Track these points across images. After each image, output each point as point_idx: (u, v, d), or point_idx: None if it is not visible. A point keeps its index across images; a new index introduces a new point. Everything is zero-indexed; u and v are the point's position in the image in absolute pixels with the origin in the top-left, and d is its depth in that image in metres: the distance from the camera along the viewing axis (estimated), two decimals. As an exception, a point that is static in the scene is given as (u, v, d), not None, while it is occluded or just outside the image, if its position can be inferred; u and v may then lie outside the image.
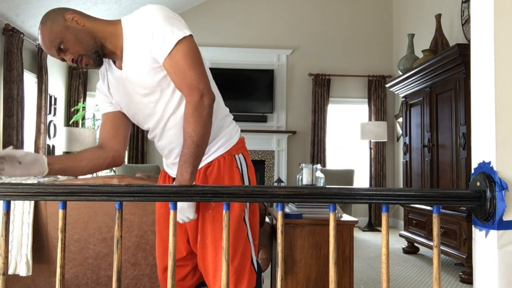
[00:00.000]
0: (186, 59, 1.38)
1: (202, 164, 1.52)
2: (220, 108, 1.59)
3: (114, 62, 1.53)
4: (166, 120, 1.52)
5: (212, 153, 1.55)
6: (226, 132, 1.59)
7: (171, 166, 1.62)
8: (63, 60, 1.46)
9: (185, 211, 1.43)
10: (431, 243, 4.23)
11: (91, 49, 1.43)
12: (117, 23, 1.47)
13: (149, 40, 1.38)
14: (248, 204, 1.62)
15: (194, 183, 1.41)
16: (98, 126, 6.64)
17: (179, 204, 1.43)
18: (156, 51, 1.38)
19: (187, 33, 1.39)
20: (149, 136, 1.64)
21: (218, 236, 1.49)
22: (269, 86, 6.91)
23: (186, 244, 1.62)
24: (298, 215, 2.23)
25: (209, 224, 1.51)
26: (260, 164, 6.97)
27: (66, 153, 6.61)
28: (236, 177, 1.56)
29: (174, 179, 1.60)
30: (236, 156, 1.59)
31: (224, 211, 1.11)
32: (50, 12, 1.44)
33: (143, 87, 1.46)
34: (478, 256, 1.12)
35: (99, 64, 1.48)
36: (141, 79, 1.44)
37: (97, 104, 1.66)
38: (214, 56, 6.92)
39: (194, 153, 1.37)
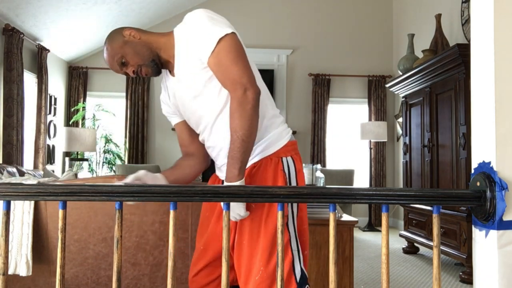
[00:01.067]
0: (228, 55, 1.42)
1: (248, 164, 1.49)
2: (268, 108, 1.57)
3: (170, 72, 1.62)
4: (213, 122, 1.55)
5: (258, 154, 1.53)
6: (275, 133, 1.56)
7: (221, 168, 1.63)
8: (126, 74, 1.59)
9: (235, 208, 1.42)
10: (431, 243, 4.23)
11: (148, 59, 1.54)
12: (169, 34, 1.57)
13: (195, 42, 1.46)
14: (294, 210, 1.54)
15: (243, 180, 1.41)
16: (98, 126, 6.65)
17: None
18: (201, 51, 1.44)
19: (229, 31, 1.44)
20: (200, 139, 1.67)
21: (254, 237, 1.47)
22: (269, 86, 6.86)
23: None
24: (298, 215, 2.22)
25: (247, 224, 1.49)
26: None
27: (66, 153, 6.61)
28: (280, 180, 1.52)
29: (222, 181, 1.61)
30: (284, 158, 1.54)
31: (224, 211, 1.11)
32: (111, 33, 1.58)
33: (192, 88, 1.53)
34: (478, 256, 1.12)
35: (157, 72, 1.58)
36: (190, 81, 1.52)
37: (166, 116, 1.76)
38: (214, 56, 6.91)
39: (241, 148, 1.39)
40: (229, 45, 1.43)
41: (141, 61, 1.53)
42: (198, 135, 1.68)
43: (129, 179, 1.49)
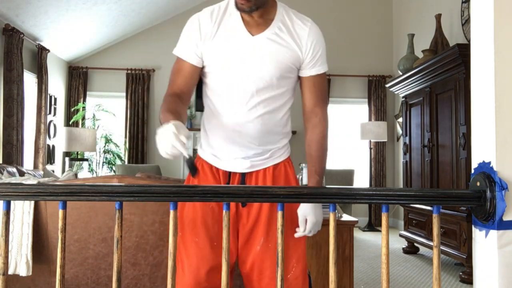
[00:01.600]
0: (326, 86, 1.67)
1: (270, 164, 1.57)
2: (290, 117, 1.67)
3: (244, 22, 1.50)
4: (258, 109, 1.52)
5: (279, 156, 1.61)
6: (288, 140, 1.69)
7: (236, 160, 1.55)
8: None
9: (321, 223, 1.51)
10: (431, 243, 4.23)
11: (261, 1, 1.44)
12: (273, 3, 1.54)
13: (305, 45, 1.53)
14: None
15: None
16: (98, 126, 6.65)
17: (315, 216, 1.49)
18: (310, 62, 1.55)
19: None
20: (216, 109, 1.54)
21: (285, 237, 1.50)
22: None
23: (235, 251, 1.56)
24: (298, 215, 2.22)
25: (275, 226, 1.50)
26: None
27: (66, 153, 6.61)
28: (297, 182, 1.64)
29: (227, 173, 1.56)
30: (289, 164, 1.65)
31: (224, 211, 1.11)
32: None
33: (272, 67, 1.49)
34: (478, 256, 1.12)
35: (245, 12, 1.45)
36: (272, 62, 1.49)
37: (184, 48, 1.54)
38: (214, 56, 6.92)
39: (324, 168, 1.61)
40: (326, 81, 1.67)
41: None
42: (195, 86, 1.56)
43: (186, 151, 1.30)
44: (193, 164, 1.32)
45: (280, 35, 1.50)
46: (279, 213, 1.10)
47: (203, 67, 1.55)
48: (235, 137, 1.54)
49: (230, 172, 1.56)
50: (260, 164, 1.57)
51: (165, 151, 1.26)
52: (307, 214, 1.50)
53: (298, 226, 1.52)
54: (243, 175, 1.56)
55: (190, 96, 1.58)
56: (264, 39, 1.49)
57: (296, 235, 1.51)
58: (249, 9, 1.43)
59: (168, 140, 1.25)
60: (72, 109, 6.79)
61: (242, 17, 1.50)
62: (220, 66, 1.52)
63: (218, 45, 1.50)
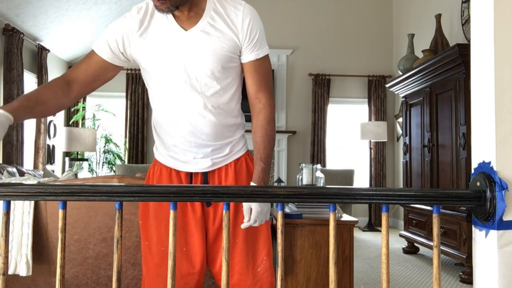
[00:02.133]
0: (268, 69, 1.55)
1: (231, 159, 1.56)
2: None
3: (174, 18, 1.46)
4: (205, 105, 1.48)
5: (239, 150, 1.59)
6: (243, 131, 1.65)
7: (196, 160, 1.53)
8: None
9: (265, 209, 1.48)
10: (431, 243, 4.23)
11: (178, 2, 1.39)
12: None
13: (241, 30, 1.46)
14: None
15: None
16: (98, 126, 6.65)
17: (259, 205, 1.45)
18: (248, 46, 1.48)
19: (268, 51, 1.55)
20: (163, 110, 1.52)
21: (250, 233, 1.55)
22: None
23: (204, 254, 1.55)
24: (298, 215, 2.23)
25: (240, 223, 1.52)
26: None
27: (66, 153, 6.61)
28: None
29: (188, 174, 1.55)
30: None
31: (224, 211, 1.11)
32: None
33: (211, 59, 1.45)
34: (478, 256, 1.12)
35: (169, 11, 1.40)
36: (211, 54, 1.44)
37: (100, 41, 1.50)
38: (214, 56, 6.92)
39: (271, 157, 1.51)
40: (269, 64, 1.56)
41: None
42: (100, 83, 1.52)
43: None
44: None
45: (214, 25, 1.45)
46: (279, 213, 1.10)
47: (140, 70, 1.54)
48: (189, 137, 1.51)
49: (191, 173, 1.55)
50: (221, 161, 1.56)
51: None
52: (251, 203, 1.46)
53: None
54: (205, 174, 1.55)
55: (82, 88, 1.49)
56: (198, 32, 1.44)
57: (243, 226, 1.49)
58: (168, 10, 1.38)
59: None
60: (72, 109, 6.79)
61: (172, 14, 1.45)
62: (158, 67, 1.47)
63: (150, 45, 1.46)
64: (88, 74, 1.49)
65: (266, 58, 1.53)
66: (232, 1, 1.49)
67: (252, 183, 1.49)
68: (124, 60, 1.52)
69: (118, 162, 6.73)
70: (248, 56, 1.50)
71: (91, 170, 6.67)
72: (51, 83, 1.44)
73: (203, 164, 1.54)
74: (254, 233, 1.55)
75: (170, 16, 1.45)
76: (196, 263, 1.53)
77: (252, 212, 1.47)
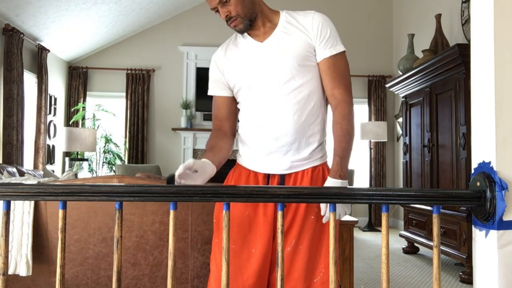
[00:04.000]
0: (346, 66, 1.61)
1: (309, 165, 1.58)
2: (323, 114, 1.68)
3: (252, 37, 1.60)
4: (291, 102, 1.54)
5: (318, 158, 1.62)
6: (324, 140, 1.70)
7: (274, 160, 1.56)
8: (216, 11, 1.54)
9: (346, 206, 1.50)
10: (431, 243, 4.23)
11: (248, 15, 1.53)
12: (276, 12, 1.62)
13: (312, 30, 1.54)
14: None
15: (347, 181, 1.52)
16: (98, 126, 6.65)
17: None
18: (320, 43, 1.55)
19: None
20: (249, 117, 1.60)
21: (316, 240, 1.52)
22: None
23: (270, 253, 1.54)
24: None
25: (309, 227, 1.52)
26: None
27: (66, 153, 6.61)
28: None
29: (266, 175, 1.57)
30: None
31: (224, 211, 1.11)
32: None
33: (290, 59, 1.53)
34: (478, 256, 1.12)
35: (244, 31, 1.56)
36: (289, 54, 1.53)
37: (211, 86, 1.71)
38: (214, 56, 6.92)
39: (350, 151, 1.58)
40: (345, 61, 1.62)
41: (242, 13, 1.52)
42: (236, 114, 1.68)
43: (180, 170, 1.40)
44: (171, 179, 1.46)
45: (287, 32, 1.56)
46: (279, 213, 1.10)
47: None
48: (270, 132, 1.55)
49: (269, 175, 1.57)
50: (299, 166, 1.57)
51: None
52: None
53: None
54: (282, 177, 1.56)
55: (232, 124, 1.70)
56: (274, 40, 1.56)
57: (324, 220, 1.49)
58: (245, 28, 1.54)
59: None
60: (72, 109, 6.79)
61: (249, 34, 1.60)
62: (242, 81, 1.59)
63: (233, 64, 1.61)
64: (225, 112, 1.68)
65: (341, 55, 1.58)
66: (303, 12, 1.61)
67: (329, 178, 1.52)
68: (228, 88, 1.68)
69: (118, 162, 6.73)
70: (322, 54, 1.56)
71: (91, 170, 6.67)
72: (212, 136, 1.66)
73: (281, 166, 1.56)
74: (319, 241, 1.52)
75: (247, 36, 1.60)
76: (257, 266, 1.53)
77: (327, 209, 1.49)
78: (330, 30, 1.56)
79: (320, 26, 1.55)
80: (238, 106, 1.68)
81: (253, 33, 1.59)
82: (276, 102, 1.54)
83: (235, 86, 1.63)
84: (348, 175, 1.52)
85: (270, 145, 1.56)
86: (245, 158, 1.63)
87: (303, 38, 1.54)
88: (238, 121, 1.71)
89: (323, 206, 1.49)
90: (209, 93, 1.71)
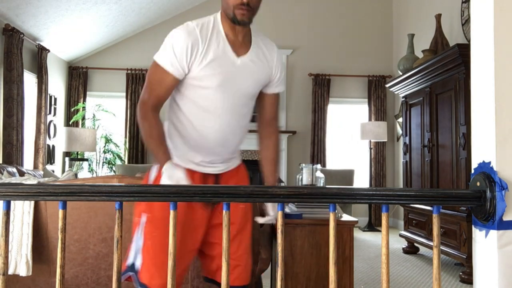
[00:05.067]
0: (279, 103, 1.89)
1: (235, 165, 1.80)
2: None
3: (231, 46, 1.64)
4: (238, 123, 1.70)
5: (238, 157, 1.84)
6: None
7: (214, 165, 1.72)
8: None
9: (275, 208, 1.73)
10: (431, 243, 4.23)
11: (254, 15, 1.60)
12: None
13: (275, 67, 1.74)
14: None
15: None
16: (98, 126, 6.65)
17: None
18: (276, 81, 1.76)
19: None
20: (200, 124, 1.66)
21: (246, 231, 1.76)
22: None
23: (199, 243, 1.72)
24: (298, 215, 2.23)
25: (239, 218, 1.73)
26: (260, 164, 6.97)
27: (66, 153, 6.60)
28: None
29: (202, 174, 1.70)
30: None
31: (224, 211, 1.11)
32: None
33: (253, 86, 1.69)
34: (478, 256, 1.12)
35: (244, 24, 1.59)
36: (253, 81, 1.68)
37: (169, 61, 1.58)
38: (214, 56, 6.92)
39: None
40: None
41: (256, 9, 1.58)
42: (170, 95, 1.66)
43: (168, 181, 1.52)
44: None
45: (259, 57, 1.68)
46: (279, 213, 1.10)
47: (183, 80, 1.63)
48: (218, 147, 1.69)
49: (204, 174, 1.71)
50: (230, 166, 1.77)
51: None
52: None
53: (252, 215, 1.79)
54: (217, 176, 1.73)
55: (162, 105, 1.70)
56: (248, 61, 1.65)
57: (261, 221, 1.72)
58: (249, 20, 1.57)
59: (176, 182, 1.51)
60: (72, 109, 6.79)
61: (227, 38, 1.61)
62: (209, 85, 1.60)
63: (208, 65, 1.58)
64: (168, 94, 1.65)
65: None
66: (265, 42, 1.73)
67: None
68: (184, 74, 1.62)
69: (118, 162, 6.73)
70: (275, 89, 1.78)
71: (91, 170, 6.67)
72: (158, 123, 1.62)
73: (219, 168, 1.74)
74: (249, 233, 1.78)
75: (225, 41, 1.61)
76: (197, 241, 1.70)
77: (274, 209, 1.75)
78: (284, 71, 1.81)
79: (280, 66, 1.76)
80: (182, 100, 1.66)
81: (231, 39, 1.62)
82: (234, 120, 1.68)
83: (194, 81, 1.60)
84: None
85: (217, 154, 1.70)
86: (181, 158, 1.68)
87: (266, 71, 1.71)
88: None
89: (271, 208, 1.75)
90: (164, 66, 1.58)
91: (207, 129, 1.65)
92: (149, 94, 1.61)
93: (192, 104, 1.65)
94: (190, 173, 1.66)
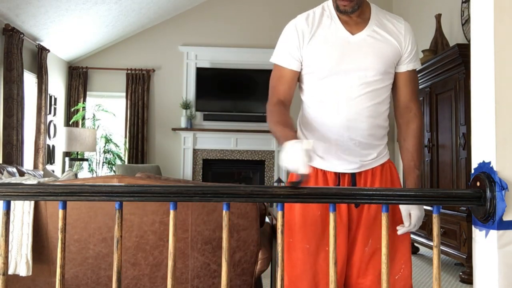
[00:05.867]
0: (418, 83, 1.67)
1: (377, 164, 1.59)
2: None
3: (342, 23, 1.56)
4: (369, 104, 1.54)
5: (383, 156, 1.62)
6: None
7: (345, 160, 1.55)
8: None
9: (422, 216, 1.52)
10: (431, 243, 4.23)
11: (361, 1, 1.52)
12: (367, 4, 1.61)
13: (403, 40, 1.57)
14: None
15: None
16: (98, 126, 6.65)
17: (418, 209, 1.51)
18: (408, 56, 1.59)
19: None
20: (321, 111, 1.56)
21: (391, 240, 1.51)
22: (269, 86, 6.89)
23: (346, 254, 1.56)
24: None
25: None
26: (260, 164, 6.97)
27: (66, 153, 6.60)
28: (400, 184, 1.67)
29: (336, 174, 1.56)
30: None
31: (224, 211, 1.10)
32: None
33: (376, 61, 1.54)
34: (478, 256, 1.12)
35: (349, 13, 1.52)
36: (376, 57, 1.53)
37: (281, 56, 1.60)
38: (214, 56, 6.92)
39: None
40: (417, 77, 1.68)
41: None
42: (294, 89, 1.61)
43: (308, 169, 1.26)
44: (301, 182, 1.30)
45: (379, 32, 1.56)
46: (279, 213, 1.10)
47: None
48: (343, 134, 1.54)
49: (339, 174, 1.57)
50: (368, 164, 1.58)
51: (293, 167, 1.24)
52: (411, 208, 1.51)
53: (400, 224, 1.54)
54: (353, 176, 1.56)
55: (291, 100, 1.62)
56: (365, 37, 1.54)
57: (400, 232, 1.52)
58: (352, 9, 1.50)
59: (299, 158, 1.23)
60: (72, 109, 6.79)
61: (339, 19, 1.55)
62: (324, 67, 1.54)
63: (319, 47, 1.54)
64: (291, 88, 1.61)
65: (416, 72, 1.66)
66: (391, 16, 1.61)
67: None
68: (300, 62, 1.59)
69: (118, 162, 6.73)
70: (407, 66, 1.60)
71: (91, 170, 6.67)
72: (281, 112, 1.56)
73: (352, 165, 1.56)
74: (395, 239, 1.55)
75: (337, 21, 1.55)
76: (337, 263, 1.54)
77: (412, 217, 1.51)
78: (416, 46, 1.61)
79: (411, 39, 1.59)
80: (304, 90, 1.62)
81: (344, 19, 1.55)
82: (358, 101, 1.53)
83: (309, 68, 1.57)
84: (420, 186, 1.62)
85: (345, 144, 1.55)
86: (313, 155, 1.58)
87: (394, 44, 1.56)
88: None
89: (405, 217, 1.52)
90: (279, 62, 1.60)
91: (327, 116, 1.55)
92: (271, 93, 1.61)
93: (308, 92, 1.60)
94: (322, 173, 1.57)
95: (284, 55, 1.59)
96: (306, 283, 1.53)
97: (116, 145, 6.71)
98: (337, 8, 1.52)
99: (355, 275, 1.56)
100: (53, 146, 6.36)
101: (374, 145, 1.58)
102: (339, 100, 1.54)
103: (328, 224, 1.51)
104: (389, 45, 1.55)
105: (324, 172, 1.57)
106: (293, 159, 1.23)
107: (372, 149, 1.58)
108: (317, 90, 1.58)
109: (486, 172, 1.09)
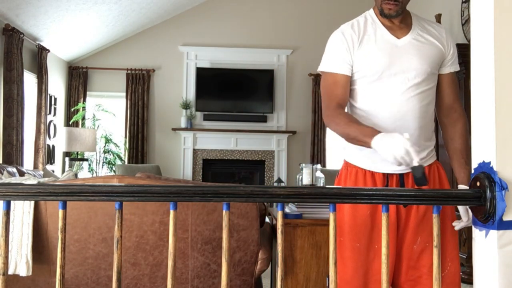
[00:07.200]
0: (458, 85, 1.73)
1: (426, 164, 1.60)
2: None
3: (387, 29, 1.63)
4: (418, 105, 1.58)
5: (431, 156, 1.65)
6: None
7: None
8: None
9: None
10: (431, 243, 4.21)
11: (405, 6, 1.59)
12: (407, 11, 1.68)
13: (446, 42, 1.66)
14: None
15: None
16: (98, 126, 6.65)
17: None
18: (450, 58, 1.66)
19: None
20: (372, 113, 1.60)
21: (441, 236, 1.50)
22: (269, 86, 6.90)
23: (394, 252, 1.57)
24: (298, 215, 2.23)
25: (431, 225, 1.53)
26: (260, 164, 6.97)
27: (66, 153, 6.60)
28: (449, 185, 1.72)
29: (384, 176, 1.58)
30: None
31: (224, 211, 1.11)
32: None
33: (422, 63, 1.59)
34: (478, 256, 1.12)
35: (393, 17, 1.58)
36: (422, 58, 1.59)
37: (333, 63, 1.65)
38: (214, 56, 6.92)
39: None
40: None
41: (406, 1, 1.58)
42: (348, 93, 1.65)
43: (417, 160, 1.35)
44: (424, 171, 1.36)
45: (423, 36, 1.63)
46: (279, 213, 1.10)
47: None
48: (397, 132, 1.52)
49: (387, 174, 1.58)
50: None
51: (399, 156, 1.34)
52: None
53: (450, 221, 1.57)
54: (401, 176, 1.57)
55: (346, 105, 1.68)
56: (411, 40, 1.61)
57: (458, 227, 1.54)
58: (396, 13, 1.56)
59: (401, 146, 1.34)
60: (72, 109, 6.79)
61: (383, 24, 1.62)
62: (374, 71, 1.59)
63: (367, 52, 1.60)
64: (347, 92, 1.65)
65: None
66: (432, 22, 1.71)
67: (461, 186, 1.59)
68: (350, 67, 1.64)
69: (118, 162, 6.73)
70: (450, 68, 1.67)
71: (91, 170, 6.67)
72: (347, 113, 1.63)
73: (400, 166, 1.53)
74: (445, 237, 1.56)
75: (381, 27, 1.63)
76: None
77: (470, 212, 1.46)
78: (456, 49, 1.70)
79: (452, 41, 1.68)
80: (357, 96, 1.65)
81: (387, 25, 1.62)
82: (406, 102, 1.58)
83: (358, 73, 1.62)
84: None
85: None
86: (361, 156, 1.61)
87: (438, 46, 1.63)
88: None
89: (464, 213, 1.51)
90: (331, 69, 1.64)
91: (379, 114, 1.59)
92: (328, 101, 1.63)
93: (358, 96, 1.64)
94: (370, 175, 1.59)
95: (336, 62, 1.64)
96: (356, 281, 1.56)
97: (116, 145, 6.71)
98: (382, 13, 1.58)
99: (404, 273, 1.58)
100: (53, 146, 6.36)
101: (423, 145, 1.61)
102: (389, 103, 1.59)
103: (376, 223, 1.55)
104: (434, 47, 1.62)
105: (373, 173, 1.59)
106: (401, 152, 1.33)
107: (421, 151, 1.58)
108: (368, 93, 1.62)
109: (486, 172, 1.09)
